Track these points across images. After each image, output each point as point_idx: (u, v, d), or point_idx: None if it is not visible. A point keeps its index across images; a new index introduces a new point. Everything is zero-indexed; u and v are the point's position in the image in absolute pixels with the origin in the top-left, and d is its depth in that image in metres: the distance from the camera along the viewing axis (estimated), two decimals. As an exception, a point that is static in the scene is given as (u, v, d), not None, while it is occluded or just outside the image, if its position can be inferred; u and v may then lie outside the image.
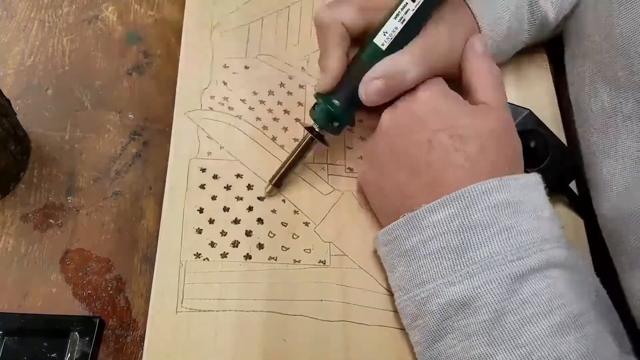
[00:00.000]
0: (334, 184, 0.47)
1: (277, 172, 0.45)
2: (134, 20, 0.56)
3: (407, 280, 0.38)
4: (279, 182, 0.45)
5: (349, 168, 0.47)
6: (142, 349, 0.40)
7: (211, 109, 0.49)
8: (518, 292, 0.34)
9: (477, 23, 0.45)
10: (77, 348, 0.41)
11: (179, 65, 0.51)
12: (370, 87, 0.40)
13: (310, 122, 0.44)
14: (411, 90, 0.42)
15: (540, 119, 0.46)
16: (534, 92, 0.52)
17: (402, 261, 0.39)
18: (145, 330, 0.40)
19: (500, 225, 0.36)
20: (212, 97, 0.50)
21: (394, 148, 0.41)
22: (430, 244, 0.37)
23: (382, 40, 0.40)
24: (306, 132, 0.44)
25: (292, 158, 0.45)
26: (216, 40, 0.53)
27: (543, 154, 0.43)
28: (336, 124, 0.43)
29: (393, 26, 0.40)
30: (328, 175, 0.47)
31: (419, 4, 0.40)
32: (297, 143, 0.45)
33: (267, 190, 0.45)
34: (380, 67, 0.40)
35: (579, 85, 0.48)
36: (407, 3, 0.40)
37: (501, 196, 0.36)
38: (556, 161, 0.44)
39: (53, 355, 0.41)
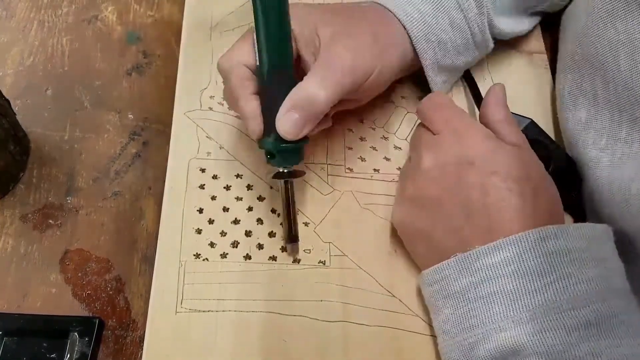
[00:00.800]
0: (333, 184, 0.47)
1: (286, 231, 0.43)
2: (133, 20, 0.56)
3: (453, 324, 0.37)
4: (295, 237, 0.43)
5: (348, 168, 0.47)
6: (142, 350, 0.40)
7: (211, 109, 0.49)
8: (575, 347, 0.33)
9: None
10: (76, 348, 0.41)
11: (179, 65, 0.51)
12: (285, 122, 0.38)
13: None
14: (449, 129, 0.41)
15: (542, 121, 0.46)
16: (534, 93, 0.52)
17: (449, 303, 0.38)
18: (144, 331, 0.40)
19: (557, 274, 0.35)
20: (211, 97, 0.50)
21: (445, 191, 0.39)
22: (482, 288, 0.36)
23: (261, 63, 0.40)
24: (279, 181, 0.42)
25: (287, 210, 0.42)
26: (216, 40, 0.53)
27: (545, 164, 0.42)
28: (292, 154, 0.41)
29: (257, 47, 0.40)
30: (328, 175, 0.47)
31: (258, 12, 0.39)
32: (280, 195, 0.42)
33: (291, 251, 0.43)
34: (288, 100, 0.39)
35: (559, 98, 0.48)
36: (254, 19, 0.39)
37: (559, 243, 0.36)
38: (559, 171, 0.44)
39: (52, 355, 0.41)
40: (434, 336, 0.41)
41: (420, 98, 0.50)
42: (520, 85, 0.52)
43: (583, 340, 0.33)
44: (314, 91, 0.38)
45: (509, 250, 0.36)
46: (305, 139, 0.40)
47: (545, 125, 0.49)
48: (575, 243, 0.36)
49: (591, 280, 0.35)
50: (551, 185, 0.40)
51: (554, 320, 0.34)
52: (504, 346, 0.34)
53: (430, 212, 0.40)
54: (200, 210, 0.45)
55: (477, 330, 0.36)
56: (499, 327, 0.35)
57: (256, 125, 0.40)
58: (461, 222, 0.38)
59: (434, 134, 0.42)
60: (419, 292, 0.42)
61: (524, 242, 0.35)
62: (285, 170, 0.41)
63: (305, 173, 0.44)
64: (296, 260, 0.43)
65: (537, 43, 0.55)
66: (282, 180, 0.42)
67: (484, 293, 0.36)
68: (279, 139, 0.39)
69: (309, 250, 0.44)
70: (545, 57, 0.54)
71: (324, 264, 0.43)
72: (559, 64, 0.51)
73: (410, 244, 0.43)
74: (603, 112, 0.44)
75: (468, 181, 0.39)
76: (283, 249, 0.44)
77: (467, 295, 0.37)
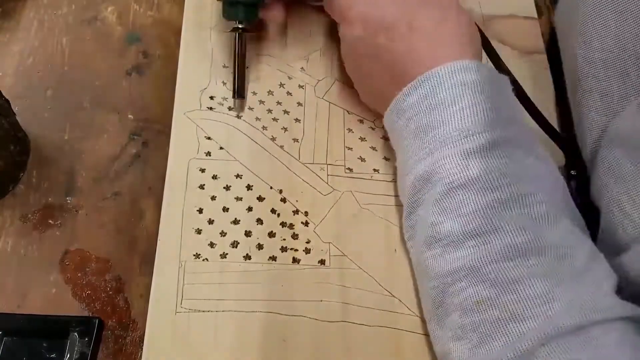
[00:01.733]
0: (333, 184, 0.47)
1: (234, 85, 0.48)
2: (133, 20, 0.56)
3: (399, 162, 0.43)
4: (241, 93, 0.49)
5: (348, 168, 0.47)
6: (142, 350, 0.40)
7: (210, 109, 0.49)
8: (469, 168, 0.36)
9: None
10: (76, 348, 0.41)
11: (178, 65, 0.51)
12: None
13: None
14: (338, 14, 0.45)
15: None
16: (533, 93, 0.52)
17: (396, 145, 0.43)
18: (144, 331, 0.40)
19: (463, 103, 0.38)
20: (211, 97, 0.50)
21: (355, 71, 0.47)
22: (409, 125, 0.40)
23: None
24: (234, 34, 0.47)
25: (237, 64, 0.48)
26: (216, 40, 0.53)
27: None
28: (248, 9, 0.47)
29: None
30: (327, 175, 0.47)
31: None
32: (233, 51, 0.48)
33: (236, 106, 0.49)
34: None
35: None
36: None
37: (469, 76, 0.38)
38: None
39: (52, 355, 0.41)
40: (433, 336, 0.41)
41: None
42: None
43: (477, 161, 0.37)
44: None
45: (424, 87, 0.39)
46: None
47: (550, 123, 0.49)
48: (484, 76, 0.39)
49: (494, 110, 0.38)
50: (459, 13, 0.43)
51: (453, 147, 0.37)
52: (420, 176, 0.39)
53: (359, 74, 0.47)
54: (200, 211, 0.45)
55: (407, 164, 0.41)
56: (417, 158, 0.39)
57: None
58: (381, 82, 0.43)
59: None
60: (419, 292, 0.42)
61: (435, 76, 0.39)
62: (240, 26, 0.47)
63: (257, 31, 0.51)
64: (295, 261, 0.43)
65: (537, 43, 0.55)
66: (236, 34, 0.47)
67: (410, 130, 0.40)
68: None
69: (309, 250, 0.44)
70: (545, 57, 0.54)
71: (324, 264, 0.43)
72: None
73: (355, 80, 0.48)
74: None
75: (361, 52, 0.44)
76: (283, 249, 0.44)
77: (402, 134, 0.41)
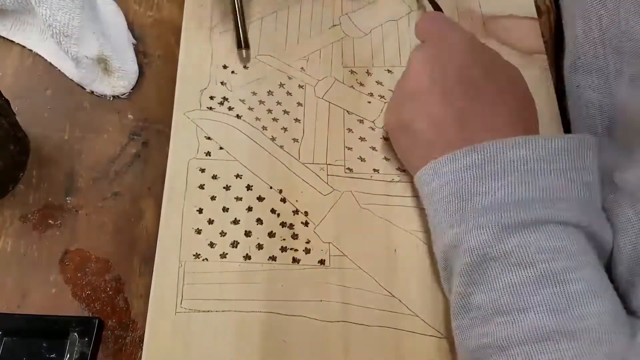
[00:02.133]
0: (333, 184, 0.47)
1: (237, 37, 0.50)
2: (133, 20, 0.56)
3: (429, 222, 0.42)
4: (246, 43, 0.50)
5: (348, 168, 0.47)
6: (142, 350, 0.40)
7: (210, 109, 0.49)
8: (504, 241, 0.35)
9: None
10: (76, 349, 0.41)
11: (178, 65, 0.51)
12: None
13: None
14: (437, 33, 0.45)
15: (542, 121, 0.46)
16: (534, 93, 0.52)
17: (426, 204, 0.42)
18: (144, 331, 0.40)
19: (510, 179, 0.36)
20: (211, 97, 0.50)
21: (431, 83, 0.43)
22: (445, 189, 0.39)
23: None
24: None
25: (237, 15, 0.50)
26: (215, 40, 0.53)
27: None
28: None
29: None
30: (327, 175, 0.47)
31: None
32: (231, 2, 0.50)
33: (243, 56, 0.50)
34: None
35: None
36: None
37: (522, 152, 0.37)
38: None
39: (52, 355, 0.41)
40: (433, 336, 0.41)
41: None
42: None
43: (516, 235, 0.35)
44: None
45: (471, 156, 0.38)
46: None
47: (548, 123, 0.49)
48: (539, 153, 0.37)
49: (544, 189, 0.36)
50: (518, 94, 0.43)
51: (491, 218, 0.36)
52: (449, 242, 0.38)
53: (412, 103, 0.43)
54: (200, 211, 0.45)
55: (437, 227, 0.40)
56: (449, 224, 0.38)
57: None
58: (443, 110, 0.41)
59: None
60: (419, 292, 0.42)
61: (487, 150, 0.37)
62: None
63: None
64: (295, 261, 0.43)
65: (537, 43, 0.55)
66: None
67: (444, 194, 0.39)
68: None
69: (309, 250, 0.44)
70: (545, 57, 0.54)
71: (324, 264, 0.43)
72: None
73: (395, 141, 0.46)
74: None
75: (450, 70, 0.42)
76: (283, 249, 0.44)
77: (434, 197, 0.40)
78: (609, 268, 0.39)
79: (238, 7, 0.48)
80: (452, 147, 0.39)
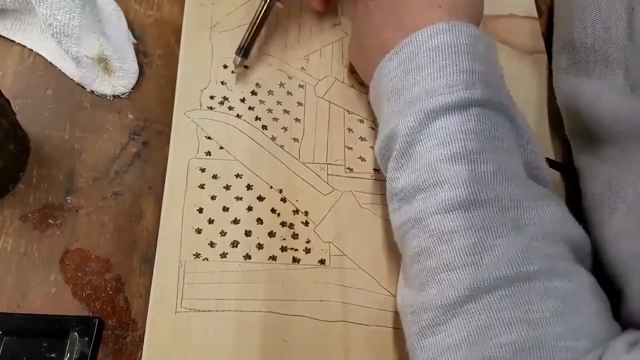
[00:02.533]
0: (333, 184, 0.47)
1: (242, 42, 0.49)
2: (133, 20, 0.56)
3: (379, 128, 0.44)
4: (247, 52, 0.49)
5: (348, 168, 0.47)
6: (142, 349, 0.40)
7: (210, 108, 0.49)
8: (429, 125, 0.37)
9: None
10: (76, 348, 0.41)
11: (179, 64, 0.51)
12: None
13: None
14: None
15: (543, 121, 0.46)
16: (534, 93, 0.52)
17: (376, 112, 0.45)
18: (144, 331, 0.40)
19: (436, 66, 0.38)
20: (211, 97, 0.50)
21: (362, 27, 0.46)
22: (386, 89, 0.41)
23: None
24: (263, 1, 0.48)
25: (255, 24, 0.49)
26: (215, 40, 0.53)
27: None
28: None
29: None
30: (327, 175, 0.47)
31: None
32: (256, 12, 0.49)
33: (236, 62, 0.49)
34: None
35: None
36: None
37: (445, 38, 0.39)
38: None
39: (52, 355, 0.41)
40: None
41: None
42: (520, 85, 0.52)
43: (439, 120, 0.38)
44: None
45: (403, 52, 0.40)
46: None
47: (548, 122, 0.49)
48: (461, 39, 0.39)
49: (464, 72, 0.38)
50: None
51: (418, 106, 0.38)
52: (387, 135, 0.40)
53: (360, 26, 0.47)
54: (200, 210, 0.45)
55: (381, 125, 0.42)
56: (387, 120, 0.41)
57: None
58: (381, 25, 0.44)
59: None
60: None
61: (414, 42, 0.40)
62: None
63: (283, 5, 0.51)
64: (295, 261, 0.43)
65: (537, 43, 0.55)
66: (267, 1, 0.49)
67: (386, 93, 0.41)
68: None
69: (309, 250, 0.44)
70: (545, 57, 0.54)
71: (324, 263, 0.43)
72: None
73: (356, 62, 0.49)
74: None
75: None
76: (283, 249, 0.44)
77: (380, 98, 0.43)
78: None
79: (259, 20, 0.49)
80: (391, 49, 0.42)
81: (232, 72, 0.51)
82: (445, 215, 0.35)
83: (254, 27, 0.49)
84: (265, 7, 0.49)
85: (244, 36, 0.49)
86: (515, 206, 0.36)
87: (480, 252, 0.34)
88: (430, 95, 0.38)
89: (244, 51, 0.49)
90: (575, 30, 0.48)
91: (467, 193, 0.35)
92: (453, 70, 0.38)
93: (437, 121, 0.37)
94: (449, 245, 0.35)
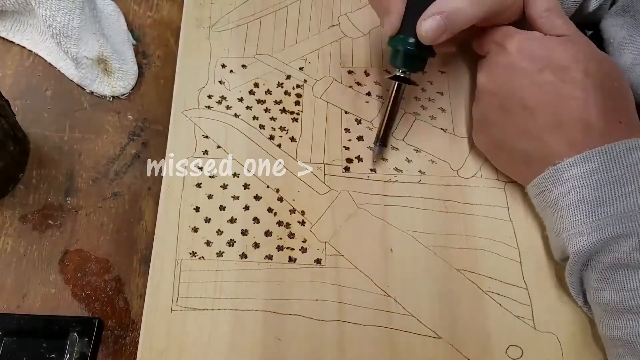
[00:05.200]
0: (330, 184, 0.47)
1: (379, 131, 0.47)
2: (132, 20, 0.56)
3: (550, 230, 0.42)
4: (385, 141, 0.47)
5: (345, 168, 0.47)
6: (139, 349, 0.40)
7: (208, 107, 0.49)
8: None
9: None
10: (76, 349, 0.41)
11: (177, 63, 0.51)
12: (425, 25, 0.41)
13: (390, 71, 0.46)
14: (494, 45, 0.44)
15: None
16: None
17: (548, 212, 0.41)
18: (142, 330, 0.41)
19: (638, 184, 0.37)
20: (209, 96, 0.50)
21: (503, 102, 0.43)
22: (569, 196, 0.39)
23: None
24: (394, 82, 0.45)
25: (388, 112, 0.46)
26: (214, 39, 0.53)
27: None
28: (417, 60, 0.44)
29: None
30: (324, 175, 0.47)
31: None
32: (388, 97, 0.46)
33: (375, 153, 0.47)
34: (436, 5, 0.41)
35: None
36: None
37: None
38: None
39: (52, 355, 0.41)
40: (428, 336, 0.41)
41: (418, 99, 0.50)
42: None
43: None
44: (462, 4, 0.41)
45: (594, 161, 0.38)
46: (432, 52, 0.44)
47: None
48: None
49: None
50: (604, 61, 0.42)
51: (629, 227, 0.36)
52: (582, 250, 0.38)
53: (494, 126, 0.44)
54: (197, 209, 0.45)
55: (562, 234, 0.39)
56: (578, 232, 0.38)
57: (395, 20, 0.43)
58: (525, 122, 0.42)
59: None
60: (415, 292, 0.42)
61: (609, 153, 0.38)
62: (403, 75, 0.45)
63: (418, 85, 0.49)
64: (291, 261, 0.43)
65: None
66: (396, 83, 0.45)
67: (570, 201, 0.39)
68: (409, 41, 0.43)
69: (305, 249, 0.44)
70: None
71: (320, 263, 0.43)
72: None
73: (494, 162, 0.47)
74: None
75: (521, 85, 0.42)
76: (279, 248, 0.44)
77: (558, 205, 0.40)
78: None
79: (393, 104, 0.46)
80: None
81: (373, 161, 0.48)
82: None
83: (387, 114, 0.46)
84: (395, 93, 0.45)
85: (381, 125, 0.47)
86: None
87: None
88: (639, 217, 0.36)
89: (382, 141, 0.47)
90: None
91: None
92: None
93: None
94: None
